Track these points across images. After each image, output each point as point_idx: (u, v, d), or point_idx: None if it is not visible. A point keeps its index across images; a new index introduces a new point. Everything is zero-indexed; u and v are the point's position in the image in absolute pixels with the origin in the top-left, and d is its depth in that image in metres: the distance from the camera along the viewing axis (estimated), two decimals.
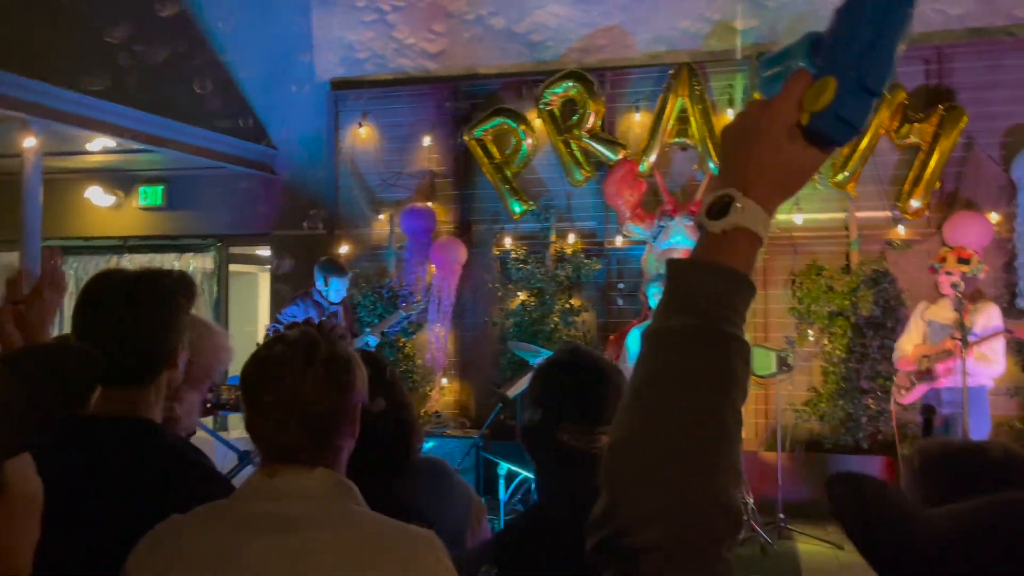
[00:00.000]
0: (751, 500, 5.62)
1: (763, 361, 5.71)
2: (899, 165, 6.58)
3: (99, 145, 6.94)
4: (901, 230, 6.53)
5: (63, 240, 8.47)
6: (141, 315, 1.57)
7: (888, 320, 6.30)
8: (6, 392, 0.81)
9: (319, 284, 5.98)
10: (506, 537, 1.50)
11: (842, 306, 6.47)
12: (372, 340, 6.23)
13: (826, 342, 6.59)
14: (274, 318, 6.09)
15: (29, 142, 5.79)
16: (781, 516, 5.76)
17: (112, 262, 8.61)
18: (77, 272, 8.71)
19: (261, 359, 1.37)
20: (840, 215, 6.71)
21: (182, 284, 1.66)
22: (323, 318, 5.85)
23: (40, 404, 0.86)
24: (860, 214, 6.61)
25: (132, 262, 8.60)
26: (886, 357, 6.12)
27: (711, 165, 6.71)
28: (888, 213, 6.56)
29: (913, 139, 6.42)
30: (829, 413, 6.52)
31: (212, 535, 1.28)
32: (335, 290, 5.98)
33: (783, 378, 6.00)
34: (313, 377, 1.32)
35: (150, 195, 8.25)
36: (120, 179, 8.26)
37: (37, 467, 1.51)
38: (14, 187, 5.90)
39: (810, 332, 6.65)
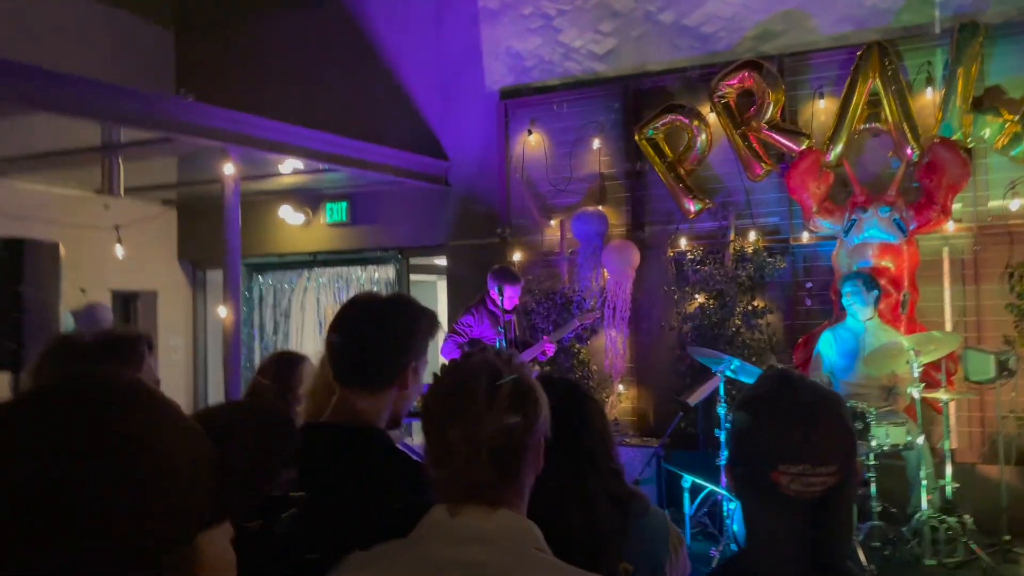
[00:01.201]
0: (970, 519, 5.06)
1: (979, 365, 5.12)
2: None
3: (290, 167, 7.38)
4: None
5: (260, 257, 9.10)
6: (381, 329, 1.72)
7: None
8: (202, 454, 0.78)
9: (492, 292, 6.00)
10: None
11: None
12: (549, 347, 6.18)
13: None
14: (451, 328, 6.17)
15: (228, 168, 6.22)
16: (1007, 537, 5.14)
17: (303, 276, 9.14)
18: (273, 286, 9.33)
19: (442, 392, 1.31)
20: None
21: (423, 314, 1.80)
22: (498, 327, 5.88)
23: (234, 470, 0.82)
24: None
25: (322, 275, 9.10)
26: None
27: (908, 150, 6.14)
28: None
29: None
30: None
31: None
32: (508, 298, 5.97)
33: (1003, 383, 5.37)
34: (498, 410, 1.25)
35: (336, 212, 8.68)
36: (308, 198, 8.75)
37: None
38: (217, 211, 6.37)
39: None
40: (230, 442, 0.82)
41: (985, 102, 6.09)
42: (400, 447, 1.76)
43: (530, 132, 7.73)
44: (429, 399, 1.33)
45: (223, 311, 6.25)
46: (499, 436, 1.25)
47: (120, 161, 6.62)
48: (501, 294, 5.90)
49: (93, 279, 8.14)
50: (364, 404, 1.69)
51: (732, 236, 6.85)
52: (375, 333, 1.71)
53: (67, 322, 6.41)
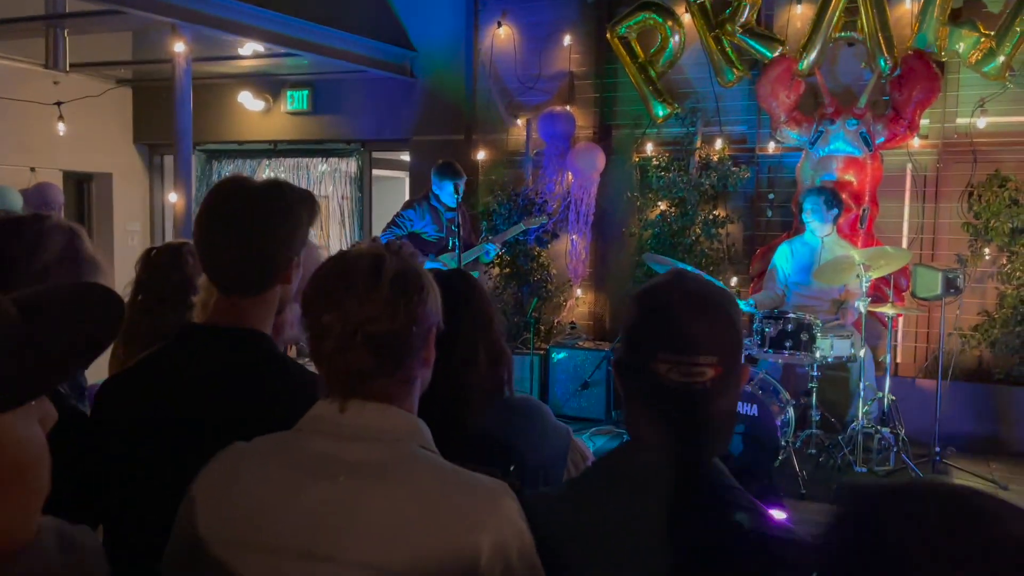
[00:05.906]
0: (903, 430, 5.20)
1: (927, 282, 5.16)
2: None
3: (249, 49, 7.06)
4: None
5: (218, 144, 8.84)
6: (261, 225, 1.55)
7: None
8: (16, 337, 0.72)
9: (434, 187, 5.93)
10: (591, 478, 1.34)
11: None
12: (491, 248, 6.16)
13: (1004, 262, 5.90)
14: (391, 221, 6.10)
15: (179, 47, 5.94)
16: (937, 449, 5.31)
17: (263, 165, 8.92)
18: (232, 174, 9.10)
19: (321, 276, 1.25)
20: None
21: (305, 199, 1.63)
22: (440, 223, 5.85)
23: (54, 351, 0.76)
24: None
25: (282, 165, 8.88)
26: None
27: (881, 62, 6.01)
28: None
29: None
30: (1002, 341, 5.89)
31: (271, 474, 1.21)
32: (448, 193, 5.88)
33: (950, 300, 5.43)
34: (379, 295, 1.19)
35: (297, 99, 8.40)
36: (269, 84, 8.44)
37: (145, 377, 1.50)
38: (168, 92, 6.11)
39: (987, 250, 5.97)
40: (39, 318, 0.76)
41: (963, 15, 5.94)
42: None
43: (500, 25, 7.45)
44: (308, 286, 1.27)
45: (174, 197, 6.10)
46: (378, 320, 1.19)
47: (65, 34, 6.29)
48: (441, 188, 5.84)
49: (43, 158, 7.88)
50: (247, 305, 1.56)
51: (698, 143, 6.74)
52: (255, 231, 1.53)
53: (12, 201, 6.23)
